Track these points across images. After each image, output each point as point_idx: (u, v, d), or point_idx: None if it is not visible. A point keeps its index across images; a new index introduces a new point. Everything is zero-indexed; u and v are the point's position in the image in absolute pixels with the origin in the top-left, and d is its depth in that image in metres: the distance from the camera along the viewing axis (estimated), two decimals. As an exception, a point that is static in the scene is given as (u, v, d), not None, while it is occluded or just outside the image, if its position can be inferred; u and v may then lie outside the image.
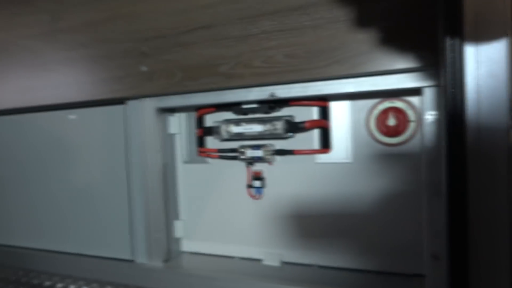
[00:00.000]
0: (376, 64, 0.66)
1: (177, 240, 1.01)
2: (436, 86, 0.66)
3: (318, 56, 0.70)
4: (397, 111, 0.77)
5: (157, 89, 0.84)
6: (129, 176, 0.95)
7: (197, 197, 0.99)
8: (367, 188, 0.81)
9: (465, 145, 0.52)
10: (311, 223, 0.87)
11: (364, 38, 0.66)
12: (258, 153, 0.88)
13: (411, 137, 0.77)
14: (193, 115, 0.98)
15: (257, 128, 0.85)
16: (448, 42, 0.53)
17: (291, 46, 0.72)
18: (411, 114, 0.77)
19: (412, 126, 0.77)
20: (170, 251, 0.97)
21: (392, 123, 0.77)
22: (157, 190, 0.92)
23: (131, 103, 0.93)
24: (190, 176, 1.00)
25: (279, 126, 0.83)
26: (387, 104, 0.78)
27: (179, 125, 0.99)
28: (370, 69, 0.67)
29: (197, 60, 0.80)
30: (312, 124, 0.83)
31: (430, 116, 0.67)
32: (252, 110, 0.86)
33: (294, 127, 0.83)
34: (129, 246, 0.97)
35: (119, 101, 0.93)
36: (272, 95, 0.77)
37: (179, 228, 1.00)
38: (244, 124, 0.87)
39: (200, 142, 0.97)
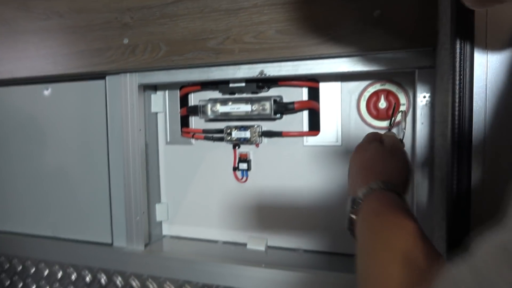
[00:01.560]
0: (371, 43, 0.64)
1: (159, 224, 0.97)
2: (431, 67, 0.64)
3: (311, 33, 0.67)
4: (388, 93, 0.75)
5: (140, 64, 0.80)
6: (109, 156, 0.91)
7: (180, 179, 0.96)
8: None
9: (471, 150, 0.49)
10: (297, 207, 0.85)
11: (360, 16, 0.64)
12: (245, 134, 0.85)
13: (400, 122, 0.76)
14: (177, 93, 0.94)
15: (244, 108, 0.82)
16: (458, 44, 0.48)
17: (284, 21, 0.69)
18: (402, 97, 0.75)
19: (403, 117, 0.75)
20: (151, 234, 0.93)
21: (383, 106, 0.75)
22: (138, 171, 0.88)
23: (111, 78, 0.88)
24: (172, 158, 0.96)
25: (268, 106, 0.81)
26: (378, 86, 0.77)
27: (163, 104, 0.95)
28: (365, 48, 0.64)
29: (183, 34, 0.76)
30: (302, 105, 0.80)
31: (423, 98, 0.66)
32: (240, 89, 0.83)
33: (283, 108, 0.80)
34: (108, 229, 0.92)
35: (99, 76, 0.88)
36: (262, 73, 0.74)
37: (160, 211, 0.96)
38: (231, 103, 0.83)
39: (184, 122, 0.94)
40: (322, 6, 0.66)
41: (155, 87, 0.95)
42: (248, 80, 0.81)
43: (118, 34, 0.81)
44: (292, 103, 0.80)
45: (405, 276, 0.34)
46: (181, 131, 0.93)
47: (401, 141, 0.60)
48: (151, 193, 0.94)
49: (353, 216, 0.46)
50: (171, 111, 0.95)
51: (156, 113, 0.96)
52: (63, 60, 0.87)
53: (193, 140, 0.94)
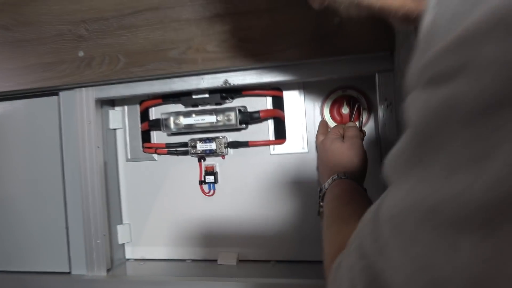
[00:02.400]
0: (333, 49, 0.66)
1: (121, 247, 0.91)
2: (389, 70, 0.67)
3: (274, 40, 0.67)
4: (350, 99, 0.77)
5: (97, 77, 0.76)
6: (65, 178, 0.84)
7: (143, 198, 0.91)
8: (323, 178, 0.80)
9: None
10: (267, 217, 0.84)
11: (321, 23, 0.65)
12: (211, 145, 0.83)
13: (365, 125, 0.78)
14: (137, 108, 0.90)
15: (209, 118, 0.80)
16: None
17: (247, 29, 0.69)
18: (363, 102, 0.77)
19: (365, 114, 0.78)
20: (113, 259, 0.87)
21: (346, 111, 0.77)
22: (97, 192, 0.82)
23: (65, 94, 0.83)
24: (134, 175, 0.92)
25: (233, 116, 0.80)
26: (340, 93, 0.78)
27: (121, 120, 0.91)
28: (327, 54, 0.66)
29: (143, 45, 0.74)
30: (267, 114, 0.80)
31: (384, 101, 0.68)
32: (203, 101, 0.82)
33: (248, 117, 0.80)
34: (65, 257, 0.85)
35: (51, 92, 0.83)
36: (226, 82, 0.74)
37: (122, 233, 0.91)
38: (194, 115, 0.81)
39: (145, 138, 0.90)
40: (284, 15, 0.67)
41: (113, 103, 0.91)
42: (211, 91, 0.80)
43: (73, 47, 0.77)
44: (258, 112, 0.79)
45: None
46: (143, 146, 0.89)
47: (361, 130, 0.75)
48: (112, 214, 0.88)
49: (321, 203, 0.58)
50: (131, 127, 0.91)
51: (115, 130, 0.92)
52: (10, 76, 0.81)
53: (155, 156, 0.90)
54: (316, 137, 0.74)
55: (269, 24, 0.68)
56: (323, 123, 0.77)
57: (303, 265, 0.81)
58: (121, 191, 0.92)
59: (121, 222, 0.92)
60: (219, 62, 0.70)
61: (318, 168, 0.70)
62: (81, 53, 0.77)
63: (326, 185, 0.60)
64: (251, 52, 0.68)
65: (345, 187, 0.57)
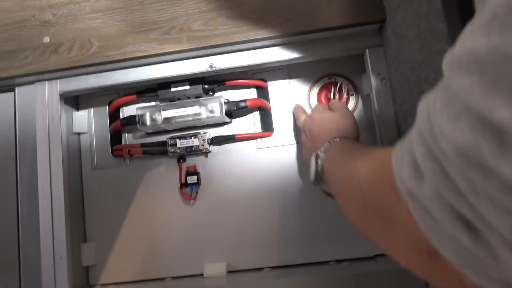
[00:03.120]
0: (324, 22, 0.65)
1: (84, 270, 0.77)
2: (379, 45, 0.67)
3: (265, 15, 0.66)
4: (337, 85, 0.76)
5: (65, 62, 0.68)
6: (19, 189, 0.71)
7: (111, 210, 0.79)
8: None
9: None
10: (258, 220, 0.76)
11: (310, -2, 0.65)
12: (192, 142, 0.76)
13: (353, 111, 0.76)
14: (104, 110, 0.82)
15: (191, 110, 0.74)
16: None
17: (234, 7, 0.66)
18: (350, 87, 0.77)
19: (353, 99, 0.76)
20: (76, 285, 0.72)
21: (335, 97, 0.75)
22: (58, 205, 0.70)
23: (22, 90, 0.73)
24: (100, 185, 0.80)
25: (217, 107, 0.74)
26: (326, 80, 0.77)
27: (87, 123, 0.81)
28: (318, 27, 0.65)
29: (120, 27, 0.68)
30: (254, 103, 0.76)
31: (377, 75, 0.67)
32: (183, 93, 0.76)
33: (234, 106, 0.75)
34: (16, 283, 0.69)
35: (6, 87, 0.73)
36: (211, 66, 0.69)
37: (87, 254, 0.77)
38: (173, 108, 0.75)
39: (115, 141, 0.81)
40: (273, -9, 0.66)
41: (77, 104, 0.82)
42: (192, 82, 0.75)
43: (36, 33, 0.69)
44: (244, 100, 0.75)
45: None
46: (112, 150, 0.79)
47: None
48: (74, 231, 0.75)
49: (319, 169, 0.51)
50: (98, 131, 0.81)
51: (79, 134, 0.81)
52: (-44, 67, 0.70)
53: (127, 160, 0.80)
54: (297, 118, 0.70)
55: (259, 0, 0.66)
56: (299, 107, 0.73)
57: (302, 269, 0.73)
58: (85, 204, 0.80)
59: (84, 241, 0.78)
60: (205, 40, 0.66)
61: (304, 145, 0.64)
62: (46, 39, 0.69)
63: (323, 148, 0.53)
64: (240, 29, 0.66)
65: (349, 144, 0.52)
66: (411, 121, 0.57)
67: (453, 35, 0.42)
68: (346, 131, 0.58)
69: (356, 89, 0.76)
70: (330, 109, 0.65)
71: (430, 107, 0.23)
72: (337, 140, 0.53)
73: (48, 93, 0.72)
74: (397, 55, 0.60)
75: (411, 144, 0.25)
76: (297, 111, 0.72)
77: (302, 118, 0.68)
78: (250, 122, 0.79)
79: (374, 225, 0.34)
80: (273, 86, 0.79)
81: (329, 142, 0.53)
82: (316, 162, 0.52)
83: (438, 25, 0.45)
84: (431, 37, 0.47)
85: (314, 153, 0.53)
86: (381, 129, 0.67)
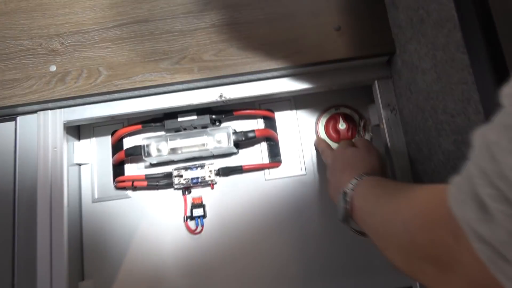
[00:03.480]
0: (333, 54, 0.66)
1: (82, 311, 0.72)
2: (387, 77, 0.68)
3: (275, 47, 0.66)
4: (344, 116, 0.76)
5: (71, 92, 0.66)
6: (17, 224, 0.67)
7: (111, 246, 0.75)
8: (328, 202, 0.74)
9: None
10: (267, 253, 0.73)
11: (321, 31, 0.66)
12: (199, 173, 0.74)
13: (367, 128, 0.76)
14: (107, 140, 0.80)
15: (198, 140, 0.73)
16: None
17: (245, 39, 0.67)
18: (357, 119, 0.77)
19: (360, 130, 0.76)
20: (72, 327, 0.67)
21: (343, 127, 0.75)
22: (58, 242, 0.66)
23: (24, 119, 0.70)
24: (101, 219, 0.77)
25: (225, 137, 0.73)
26: (333, 111, 0.77)
27: (89, 153, 0.79)
28: (328, 59, 0.66)
29: (130, 57, 0.67)
30: (262, 133, 0.75)
31: (387, 107, 0.68)
32: (190, 123, 0.74)
33: (243, 137, 0.74)
34: (7, 326, 0.64)
35: (7, 116, 0.70)
36: (221, 96, 0.69)
37: (84, 292, 0.72)
38: (179, 139, 0.73)
39: (118, 172, 0.78)
40: (284, 23, 0.67)
41: (78, 134, 0.80)
42: (200, 112, 0.74)
43: (43, 62, 0.68)
44: (253, 130, 0.74)
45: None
46: (115, 182, 0.77)
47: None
48: (71, 268, 0.70)
49: (348, 206, 0.49)
50: (100, 162, 0.79)
51: (79, 165, 0.79)
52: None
53: (130, 193, 0.77)
54: (322, 153, 0.70)
55: (269, 32, 0.67)
56: (322, 141, 0.73)
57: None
58: (84, 239, 0.76)
59: (82, 278, 0.74)
60: (216, 71, 0.66)
61: (329, 182, 0.61)
62: (53, 68, 0.67)
63: (350, 186, 0.51)
64: (250, 60, 0.66)
65: (378, 181, 0.50)
66: (426, 151, 0.57)
67: (475, 65, 0.43)
68: (372, 168, 0.56)
69: (362, 119, 0.76)
70: (354, 146, 0.64)
71: (494, 146, 0.22)
72: (365, 176, 0.51)
73: (51, 122, 0.69)
74: (408, 85, 0.61)
75: (473, 185, 0.24)
76: (322, 145, 0.71)
77: (326, 153, 0.67)
78: (257, 153, 0.77)
79: (426, 269, 0.32)
80: (280, 117, 0.78)
81: (356, 179, 0.51)
82: (345, 199, 0.50)
83: (458, 56, 0.45)
84: (450, 68, 0.47)
85: (341, 190, 0.51)
86: (393, 159, 0.66)
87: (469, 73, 0.43)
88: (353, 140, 0.68)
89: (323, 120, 0.77)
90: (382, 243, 0.41)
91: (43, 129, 0.69)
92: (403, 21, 0.60)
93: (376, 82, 0.69)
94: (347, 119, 0.76)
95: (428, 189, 0.36)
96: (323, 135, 0.76)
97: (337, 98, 0.78)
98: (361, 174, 0.52)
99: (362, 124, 0.75)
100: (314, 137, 0.77)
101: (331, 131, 0.76)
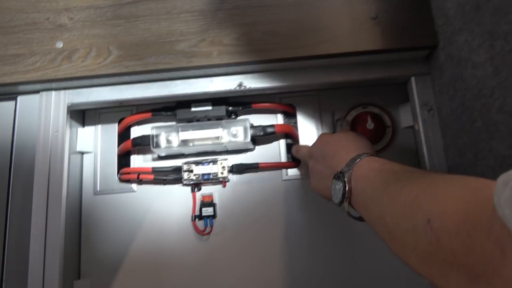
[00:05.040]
0: (368, 44, 0.59)
1: (75, 312, 0.65)
2: (426, 74, 0.62)
3: (304, 34, 0.60)
4: (373, 115, 0.70)
5: (78, 71, 0.60)
6: (10, 213, 0.61)
7: (112, 242, 0.69)
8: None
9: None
10: (281, 262, 0.67)
11: (355, 18, 0.60)
12: (211, 169, 0.68)
13: (388, 144, 0.70)
14: (113, 128, 0.74)
15: (212, 132, 0.66)
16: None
17: (272, 23, 0.61)
18: (386, 119, 0.70)
19: (388, 132, 0.70)
20: (63, 330, 0.61)
21: (371, 127, 0.68)
22: (54, 236, 0.60)
23: (25, 99, 0.65)
24: (101, 213, 0.70)
25: (241, 131, 0.67)
26: (360, 109, 0.71)
27: (93, 141, 0.73)
28: (362, 49, 0.59)
29: (144, 36, 0.61)
30: (283, 129, 0.69)
31: (424, 106, 0.61)
32: (204, 114, 0.68)
33: (261, 131, 0.67)
34: (-9, 325, 0.58)
35: (9, 95, 0.65)
36: (241, 85, 0.63)
37: (79, 292, 0.66)
38: (192, 129, 0.67)
39: (122, 164, 0.72)
40: (314, 9, 0.61)
41: (82, 120, 0.74)
42: (215, 102, 0.68)
43: (49, 37, 0.62)
44: (272, 125, 0.68)
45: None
46: (119, 174, 0.71)
47: None
48: (67, 265, 0.64)
49: (347, 186, 0.43)
50: (105, 151, 0.73)
51: (82, 154, 0.73)
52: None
53: (135, 186, 0.71)
54: (298, 150, 0.64)
55: (298, 18, 0.61)
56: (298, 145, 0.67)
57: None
58: (82, 234, 0.70)
59: (78, 277, 0.67)
60: (238, 56, 0.60)
61: (313, 171, 0.54)
62: (59, 44, 0.62)
63: (346, 168, 0.45)
64: (276, 46, 0.60)
65: (385, 164, 0.43)
66: (471, 156, 0.50)
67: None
68: (371, 149, 0.50)
69: (392, 121, 0.70)
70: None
71: None
72: (365, 156, 0.45)
73: (54, 104, 0.64)
74: (452, 83, 0.55)
75: None
76: (297, 146, 0.65)
77: (304, 147, 0.60)
78: (275, 151, 0.71)
79: (450, 275, 0.27)
80: (302, 112, 0.72)
81: (353, 159, 0.45)
82: (344, 181, 0.44)
83: (526, 45, 0.39)
84: (514, 59, 0.41)
85: (336, 172, 0.46)
86: (429, 164, 0.59)
87: (542, 64, 0.37)
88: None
89: (349, 119, 0.71)
90: (389, 236, 0.35)
91: (44, 111, 0.63)
92: (451, 10, 0.53)
93: (412, 79, 0.62)
94: (375, 118, 0.69)
95: (466, 182, 0.30)
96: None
97: (364, 96, 0.71)
98: (359, 153, 0.46)
99: (335, 120, 0.68)
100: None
101: (357, 131, 0.69)
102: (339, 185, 0.45)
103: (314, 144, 0.56)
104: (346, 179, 0.43)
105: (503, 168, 0.45)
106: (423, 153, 0.60)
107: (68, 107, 0.64)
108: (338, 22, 0.60)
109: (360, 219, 0.45)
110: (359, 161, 0.45)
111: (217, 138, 0.66)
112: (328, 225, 0.67)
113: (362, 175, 0.43)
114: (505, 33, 0.42)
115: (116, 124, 0.73)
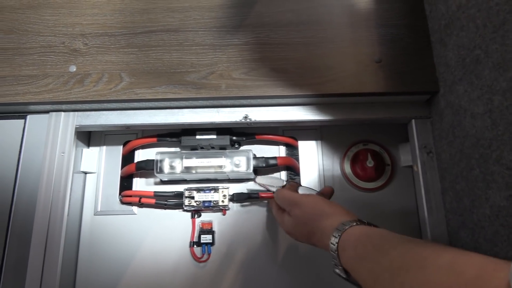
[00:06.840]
0: (371, 86, 0.61)
1: (66, 334, 0.65)
2: (426, 117, 0.64)
3: (310, 72, 0.62)
4: (373, 153, 0.71)
5: (88, 95, 0.62)
6: (10, 229, 0.62)
7: (110, 263, 0.69)
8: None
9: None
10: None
11: (360, 60, 0.62)
12: (212, 196, 0.69)
13: (387, 182, 0.71)
14: (117, 150, 0.75)
15: (216, 161, 0.68)
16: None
17: (280, 60, 0.63)
18: (386, 157, 0.72)
19: (388, 170, 0.71)
20: None
21: (371, 164, 0.70)
22: (52, 251, 0.60)
23: (35, 118, 0.66)
24: (100, 234, 0.71)
25: (243, 162, 0.68)
26: (361, 146, 0.73)
27: (97, 162, 0.74)
28: (365, 90, 0.61)
29: (155, 66, 0.63)
30: (285, 161, 0.70)
31: (423, 148, 0.63)
32: (208, 143, 0.70)
33: (264, 163, 0.69)
34: None
35: (19, 113, 0.66)
36: (246, 117, 0.64)
37: (72, 314, 0.66)
38: (195, 157, 0.68)
39: (124, 186, 0.73)
40: (320, 49, 0.63)
41: (88, 141, 0.75)
42: (220, 132, 0.70)
43: (63, 61, 0.64)
44: (275, 157, 0.69)
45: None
46: (121, 196, 0.71)
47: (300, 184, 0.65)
48: (63, 283, 0.64)
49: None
50: (108, 172, 0.74)
51: (85, 174, 0.74)
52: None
53: (135, 209, 0.72)
54: (276, 215, 0.61)
55: (305, 56, 0.63)
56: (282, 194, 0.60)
57: None
58: (80, 253, 0.70)
59: (72, 298, 0.67)
60: (245, 90, 0.61)
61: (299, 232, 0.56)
62: (72, 68, 0.64)
63: (334, 237, 0.47)
64: (282, 83, 0.62)
65: (372, 231, 0.45)
66: (468, 203, 0.51)
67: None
68: (352, 215, 0.50)
69: (392, 160, 0.72)
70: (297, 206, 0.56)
71: None
72: (354, 224, 0.47)
73: (62, 125, 0.65)
74: (452, 129, 0.56)
75: None
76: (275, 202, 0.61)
77: (279, 214, 0.59)
78: (276, 182, 0.72)
79: None
80: (303, 146, 0.73)
81: (338, 229, 0.47)
82: (335, 250, 0.46)
83: (524, 104, 0.41)
84: (511, 115, 0.43)
85: (328, 235, 0.48)
86: (426, 205, 0.61)
87: (538, 124, 0.39)
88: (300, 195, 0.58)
89: (349, 155, 0.72)
90: None
91: (53, 131, 0.65)
92: (452, 60, 0.56)
93: (413, 121, 0.64)
94: (375, 156, 0.71)
95: (477, 261, 0.31)
96: (348, 171, 0.71)
97: (365, 133, 0.73)
98: (343, 222, 0.48)
99: (284, 183, 0.66)
100: (339, 172, 0.72)
101: (357, 168, 0.71)
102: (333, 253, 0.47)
103: (295, 205, 0.56)
104: (334, 247, 0.47)
105: (499, 218, 0.46)
106: (421, 195, 0.61)
107: (76, 129, 0.65)
108: (344, 63, 0.62)
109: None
110: (348, 229, 0.47)
111: (220, 167, 0.68)
112: (327, 256, 0.68)
113: (357, 245, 0.44)
114: (504, 90, 0.44)
115: (121, 147, 0.75)
